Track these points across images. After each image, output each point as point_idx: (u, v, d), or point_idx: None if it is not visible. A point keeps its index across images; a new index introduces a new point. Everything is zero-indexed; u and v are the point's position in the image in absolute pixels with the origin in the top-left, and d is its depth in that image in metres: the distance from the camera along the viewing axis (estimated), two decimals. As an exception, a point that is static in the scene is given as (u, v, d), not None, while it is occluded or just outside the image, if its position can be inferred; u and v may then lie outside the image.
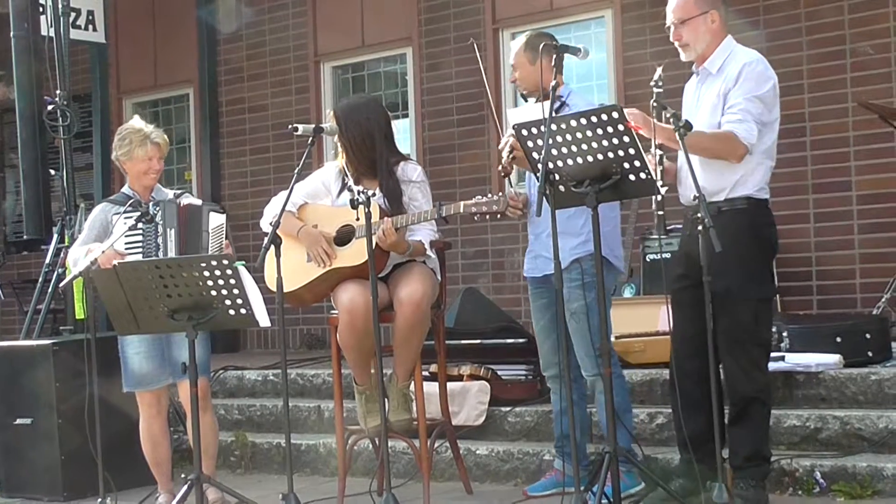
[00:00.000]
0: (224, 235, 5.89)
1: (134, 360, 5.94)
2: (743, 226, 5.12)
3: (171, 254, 5.83)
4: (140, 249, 5.88)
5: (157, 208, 5.90)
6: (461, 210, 5.53)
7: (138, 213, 5.81)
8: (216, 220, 5.94)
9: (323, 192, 6.01)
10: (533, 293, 5.91)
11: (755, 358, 5.23)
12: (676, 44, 5.35)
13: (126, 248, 5.86)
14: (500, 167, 5.66)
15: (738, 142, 5.07)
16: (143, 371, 5.95)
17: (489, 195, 5.55)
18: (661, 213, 5.16)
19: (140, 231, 5.87)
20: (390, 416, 5.72)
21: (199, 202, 6.10)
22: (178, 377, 5.90)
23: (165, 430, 6.17)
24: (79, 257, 5.88)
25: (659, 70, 5.15)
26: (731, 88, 5.17)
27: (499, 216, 5.60)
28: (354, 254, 5.64)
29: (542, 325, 5.84)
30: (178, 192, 6.23)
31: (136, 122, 6.17)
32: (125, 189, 6.16)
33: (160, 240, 5.87)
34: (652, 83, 5.11)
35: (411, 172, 5.90)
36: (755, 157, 5.19)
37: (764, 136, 5.19)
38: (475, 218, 5.61)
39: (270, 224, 5.39)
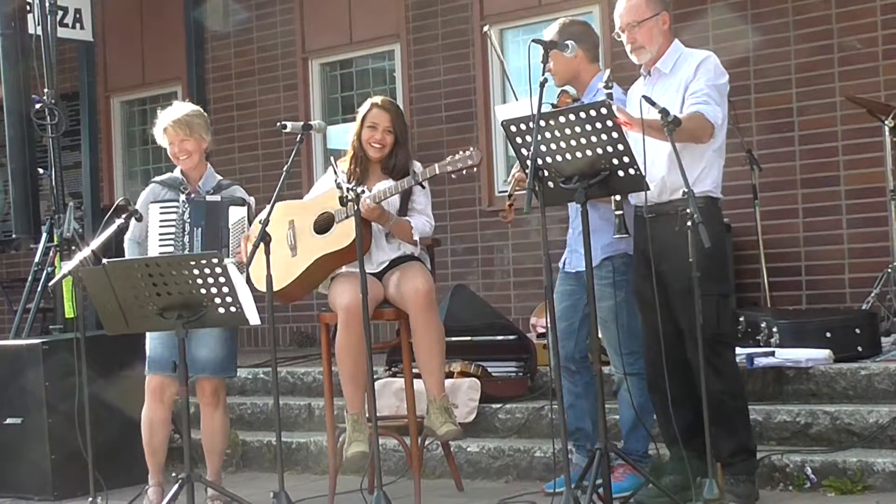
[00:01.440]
0: (244, 228, 5.92)
1: (153, 342, 5.97)
2: (704, 223, 5.10)
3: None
4: (171, 243, 5.93)
5: (187, 205, 5.95)
6: (437, 171, 5.63)
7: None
8: (236, 214, 5.96)
9: None
10: (561, 279, 5.86)
11: (720, 353, 5.27)
12: (629, 47, 5.41)
13: (160, 239, 5.92)
14: (505, 208, 5.70)
15: (707, 120, 5.15)
16: (156, 354, 5.96)
17: (461, 152, 5.63)
18: (619, 212, 5.17)
19: (172, 223, 5.92)
20: (440, 431, 5.66)
21: (222, 197, 6.07)
22: (198, 373, 5.92)
23: (166, 421, 6.13)
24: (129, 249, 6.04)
25: (608, 72, 5.21)
26: (692, 81, 5.25)
27: (475, 169, 5.69)
28: (338, 237, 5.66)
29: (563, 307, 5.73)
30: (228, 182, 6.19)
31: (167, 109, 6.18)
32: (175, 172, 6.19)
33: (187, 238, 5.90)
34: (601, 84, 5.13)
35: None
36: (709, 154, 5.27)
37: (718, 134, 5.25)
38: (452, 176, 5.68)
39: (260, 221, 5.42)
